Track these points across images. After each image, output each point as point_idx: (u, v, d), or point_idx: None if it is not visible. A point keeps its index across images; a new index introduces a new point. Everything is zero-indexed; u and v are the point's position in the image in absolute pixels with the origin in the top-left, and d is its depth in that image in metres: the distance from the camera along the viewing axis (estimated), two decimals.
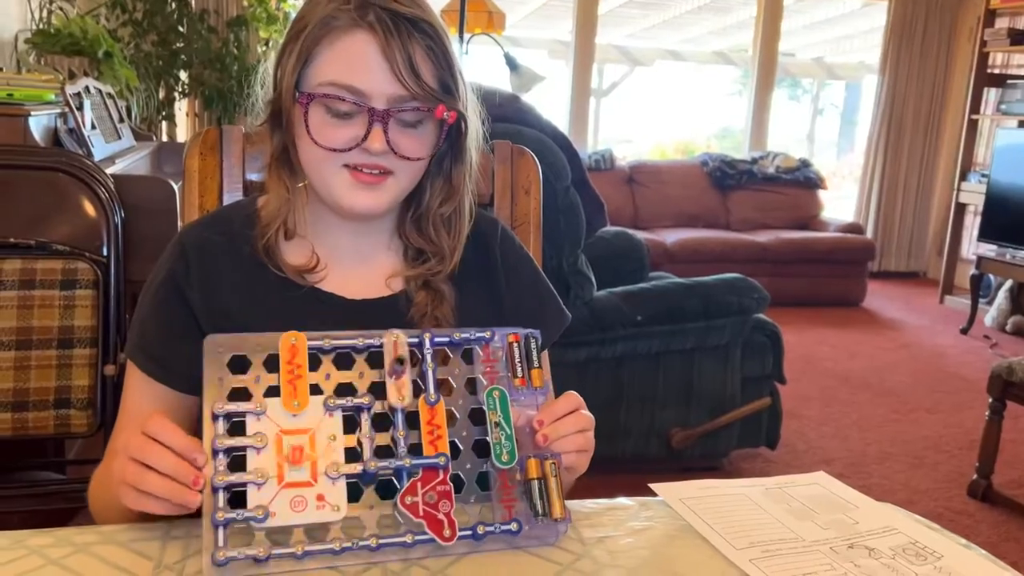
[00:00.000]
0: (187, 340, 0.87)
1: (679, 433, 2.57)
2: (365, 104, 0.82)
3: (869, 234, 6.18)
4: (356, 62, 0.82)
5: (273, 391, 0.73)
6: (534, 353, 0.81)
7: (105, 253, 1.88)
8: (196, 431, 0.89)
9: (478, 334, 0.80)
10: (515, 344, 0.81)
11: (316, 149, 0.84)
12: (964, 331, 4.80)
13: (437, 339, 0.79)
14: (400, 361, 0.77)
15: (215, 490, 0.68)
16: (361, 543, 0.68)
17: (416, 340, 0.78)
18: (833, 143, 11.76)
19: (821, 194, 5.92)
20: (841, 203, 7.77)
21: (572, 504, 0.82)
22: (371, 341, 0.77)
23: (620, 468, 2.59)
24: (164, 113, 3.93)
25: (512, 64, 3.51)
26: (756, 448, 2.79)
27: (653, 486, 0.86)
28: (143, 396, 0.88)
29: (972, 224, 5.69)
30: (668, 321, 2.48)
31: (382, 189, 0.87)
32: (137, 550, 0.69)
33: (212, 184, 1.06)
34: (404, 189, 0.90)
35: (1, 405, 1.71)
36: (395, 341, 0.77)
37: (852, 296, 5.42)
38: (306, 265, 0.91)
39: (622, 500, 0.84)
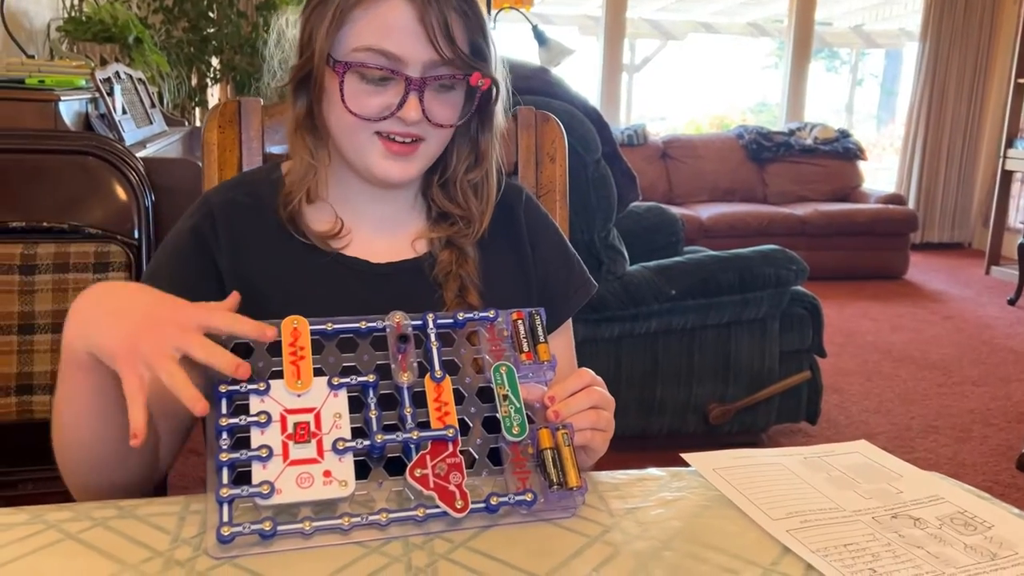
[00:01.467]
0: (201, 297, 0.85)
1: (716, 408, 2.53)
2: (401, 72, 0.81)
3: (911, 205, 6.05)
4: (392, 27, 0.80)
5: (277, 375, 0.71)
6: (539, 329, 0.79)
7: (136, 236, 1.89)
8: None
9: (481, 315, 0.79)
10: (519, 321, 0.79)
11: (349, 117, 0.83)
12: (1012, 302, 4.67)
13: (440, 321, 0.77)
14: (403, 339, 0.75)
15: (219, 468, 0.66)
16: (370, 518, 0.66)
17: (419, 322, 0.77)
18: (872, 115, 11.49)
19: (861, 165, 5.80)
20: (882, 175, 7.61)
21: (600, 475, 0.80)
22: (374, 324, 0.75)
23: (656, 445, 2.57)
24: (197, 99, 3.95)
25: (541, 38, 3.45)
26: (796, 423, 2.74)
27: (685, 456, 0.83)
28: None
29: (1019, 192, 5.54)
30: (703, 295, 2.44)
31: (414, 158, 0.86)
32: (155, 524, 0.67)
33: (231, 157, 1.05)
34: (433, 155, 0.89)
35: (40, 388, 1.73)
36: (398, 321, 0.76)
37: (894, 268, 5.30)
38: (330, 231, 0.90)
39: (652, 471, 0.81)
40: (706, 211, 5.16)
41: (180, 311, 0.69)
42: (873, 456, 0.86)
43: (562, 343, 0.99)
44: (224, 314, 0.70)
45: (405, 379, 0.74)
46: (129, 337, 0.66)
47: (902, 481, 0.80)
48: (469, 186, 0.93)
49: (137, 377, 0.65)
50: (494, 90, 0.88)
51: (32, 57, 2.69)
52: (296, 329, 0.73)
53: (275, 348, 0.72)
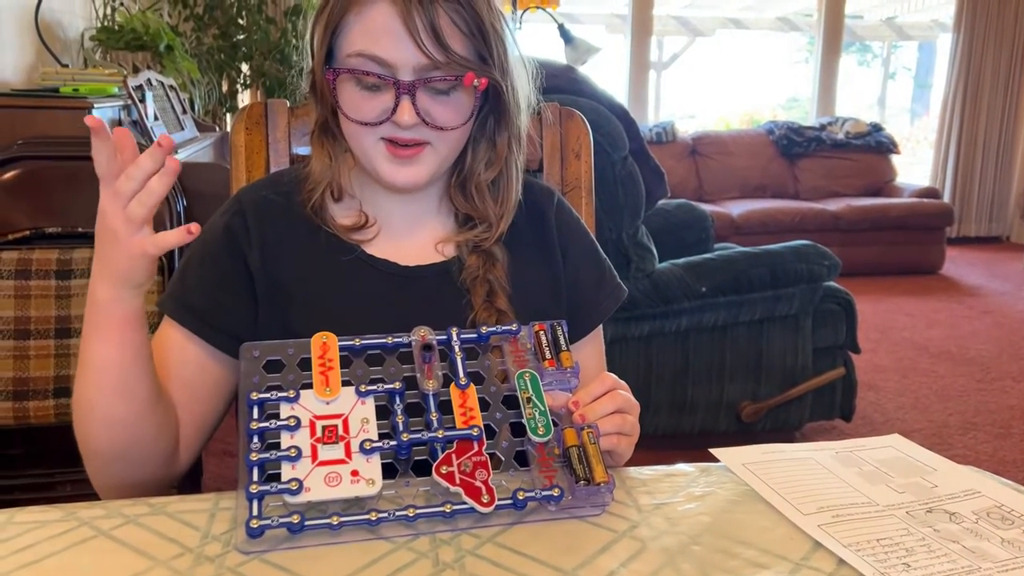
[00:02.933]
0: (232, 294, 0.87)
1: (749, 406, 2.50)
2: (391, 77, 0.80)
3: (946, 198, 5.94)
4: (380, 32, 0.80)
5: (307, 387, 0.73)
6: (561, 339, 0.80)
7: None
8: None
9: (504, 328, 0.80)
10: (541, 333, 0.80)
11: (351, 123, 0.84)
12: None
13: (464, 336, 0.79)
14: (428, 348, 0.77)
15: (249, 467, 0.67)
16: (398, 513, 0.67)
17: (443, 337, 0.78)
18: (906, 108, 11.32)
19: (895, 159, 5.71)
20: (917, 169, 7.49)
21: (628, 471, 0.79)
22: (400, 340, 0.77)
23: (688, 443, 2.55)
24: (227, 105, 3.99)
25: (567, 36, 3.45)
26: (831, 420, 2.71)
27: (714, 451, 0.82)
28: (171, 351, 0.86)
29: None
30: (734, 291, 2.41)
31: (420, 162, 0.85)
32: (186, 521, 0.68)
33: (259, 159, 1.06)
34: (445, 158, 0.88)
35: None
36: (423, 335, 0.77)
37: (929, 263, 5.22)
38: (356, 224, 0.90)
39: (681, 466, 0.80)
40: (737, 208, 5.12)
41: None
42: (906, 450, 0.84)
43: (592, 350, 0.98)
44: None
45: (431, 386, 0.75)
46: (101, 226, 0.73)
47: (936, 475, 0.79)
48: (486, 186, 0.92)
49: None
50: (507, 89, 0.86)
51: (66, 66, 2.74)
52: (325, 344, 0.75)
53: (305, 362, 0.74)
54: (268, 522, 0.64)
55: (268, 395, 0.72)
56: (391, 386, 0.74)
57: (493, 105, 0.88)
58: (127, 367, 0.76)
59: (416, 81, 0.80)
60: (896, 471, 0.79)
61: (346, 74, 0.82)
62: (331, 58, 0.84)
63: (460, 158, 0.91)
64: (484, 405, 0.75)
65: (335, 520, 0.65)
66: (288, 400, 0.72)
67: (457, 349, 0.77)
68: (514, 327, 0.80)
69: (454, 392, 0.75)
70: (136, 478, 0.82)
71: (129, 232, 0.70)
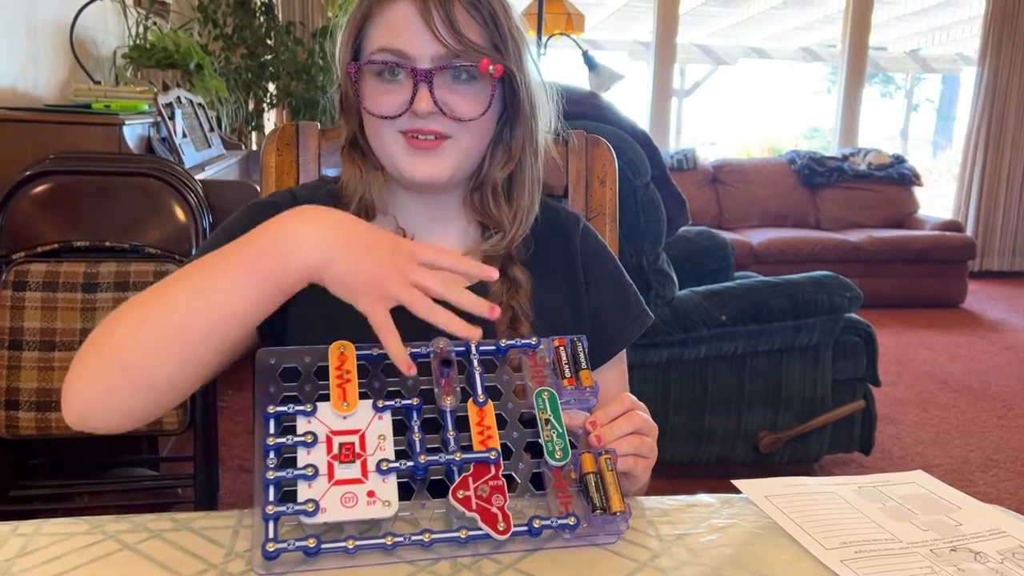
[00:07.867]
0: None
1: (767, 437, 2.49)
2: (408, 65, 0.83)
3: (969, 232, 5.90)
4: (400, 29, 0.83)
5: (323, 398, 0.72)
6: (581, 356, 0.79)
7: (194, 256, 1.94)
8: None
9: (523, 342, 0.79)
10: (561, 348, 0.79)
11: (372, 119, 0.86)
12: None
13: (483, 347, 0.78)
14: (447, 363, 0.76)
15: (265, 485, 0.67)
16: (413, 538, 0.66)
17: (462, 348, 0.78)
18: (928, 140, 11.29)
19: (917, 192, 5.68)
20: (939, 201, 7.46)
21: (649, 500, 0.79)
22: (418, 350, 0.76)
23: (705, 473, 2.53)
24: (253, 124, 4.04)
25: (590, 63, 3.47)
26: (849, 453, 2.68)
27: (737, 483, 0.82)
28: None
29: None
30: (754, 321, 2.41)
31: (441, 155, 0.86)
32: (210, 537, 0.69)
33: (289, 179, 1.07)
34: (466, 152, 0.88)
35: None
36: (441, 347, 0.77)
37: (951, 297, 5.17)
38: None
39: (703, 497, 0.80)
40: (757, 236, 5.10)
41: (405, 250, 0.72)
42: (930, 487, 0.84)
43: (615, 374, 0.98)
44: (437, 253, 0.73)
45: (448, 403, 0.74)
46: (380, 277, 0.70)
47: (961, 513, 0.78)
48: (500, 188, 0.93)
49: (386, 315, 0.69)
50: (521, 84, 0.88)
51: (98, 83, 2.79)
52: (343, 353, 0.74)
53: (322, 372, 0.74)
54: (284, 545, 0.64)
55: (285, 408, 0.71)
56: (408, 401, 0.73)
57: (508, 102, 0.90)
58: (249, 324, 0.72)
59: (433, 69, 0.83)
60: (920, 508, 0.79)
61: (366, 66, 0.85)
62: (356, 62, 0.87)
63: (479, 164, 0.92)
64: (501, 422, 0.75)
65: (351, 544, 0.65)
66: (305, 414, 0.71)
67: (476, 363, 0.77)
68: (533, 340, 0.79)
69: (471, 409, 0.75)
70: (135, 407, 0.74)
71: (407, 280, 0.70)
